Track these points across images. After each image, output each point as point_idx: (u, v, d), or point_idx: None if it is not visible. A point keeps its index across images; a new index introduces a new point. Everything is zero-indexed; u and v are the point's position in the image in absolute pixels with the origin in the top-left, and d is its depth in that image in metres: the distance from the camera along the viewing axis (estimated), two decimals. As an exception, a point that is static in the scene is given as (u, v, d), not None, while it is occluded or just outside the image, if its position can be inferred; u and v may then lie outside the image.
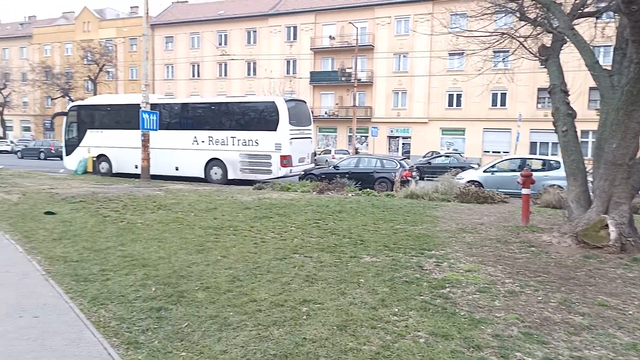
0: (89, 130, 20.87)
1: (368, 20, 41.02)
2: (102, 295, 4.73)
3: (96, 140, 20.61)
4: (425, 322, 4.12)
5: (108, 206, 10.27)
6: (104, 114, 21.25)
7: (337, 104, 42.76)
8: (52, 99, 54.89)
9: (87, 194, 12.21)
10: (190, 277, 5.37)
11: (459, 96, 37.87)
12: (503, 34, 9.53)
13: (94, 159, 20.50)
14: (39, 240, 7.03)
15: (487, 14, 9.65)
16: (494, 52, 11.60)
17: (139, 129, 17.78)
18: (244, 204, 10.88)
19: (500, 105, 36.50)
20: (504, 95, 36.11)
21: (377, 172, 16.92)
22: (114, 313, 4.29)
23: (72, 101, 44.07)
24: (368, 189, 14.66)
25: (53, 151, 36.02)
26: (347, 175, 16.39)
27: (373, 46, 40.51)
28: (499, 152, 35.25)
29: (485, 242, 7.36)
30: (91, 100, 23.32)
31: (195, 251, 6.53)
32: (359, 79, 37.82)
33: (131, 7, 57.02)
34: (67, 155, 21.76)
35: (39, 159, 36.55)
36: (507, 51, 10.70)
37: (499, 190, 13.75)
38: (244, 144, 17.93)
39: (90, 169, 20.32)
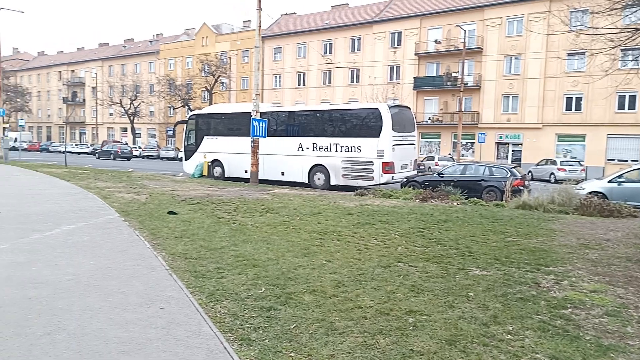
0: (205, 137, 22.54)
1: (477, 22, 39.39)
2: (218, 292, 5.05)
3: (211, 147, 22.19)
4: (544, 344, 3.82)
5: (222, 208, 10.99)
6: (218, 122, 22.83)
7: (441, 109, 41.58)
8: (173, 109, 60.28)
9: (203, 196, 13.17)
10: (297, 279, 5.53)
11: (578, 99, 34.73)
12: (637, 29, 8.57)
13: (209, 163, 22.09)
14: (163, 237, 7.72)
15: (616, 8, 8.74)
16: (622, 50, 10.49)
17: (249, 136, 18.83)
18: (347, 210, 10.99)
19: (629, 109, 32.81)
20: (633, 97, 32.43)
21: (485, 181, 16.10)
22: (228, 309, 4.56)
23: (191, 110, 48.02)
24: (475, 198, 14.01)
25: (120, 153, 44.23)
26: (452, 183, 15.82)
27: (481, 49, 38.78)
28: (625, 161, 31.71)
29: (613, 260, 6.64)
30: (207, 109, 25.17)
31: (302, 254, 6.72)
32: (466, 83, 36.41)
33: (244, 22, 60.72)
34: (186, 160, 23.69)
35: (111, 159, 42.97)
36: (641, 48, 9.60)
37: (627, 202, 12.36)
38: (347, 150, 18.13)
39: (205, 173, 21.93)
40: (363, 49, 46.27)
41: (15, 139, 55.99)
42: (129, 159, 43.47)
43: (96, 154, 47.49)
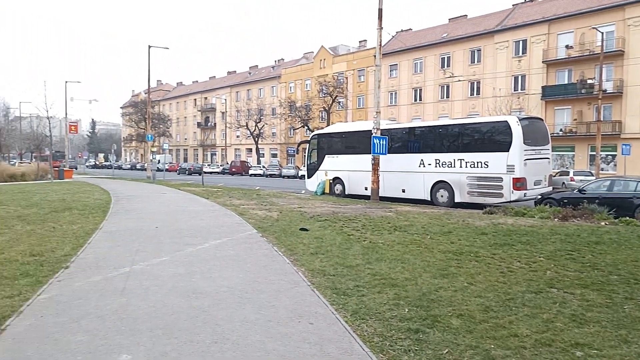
0: (326, 156, 23.22)
1: (616, 22, 35.66)
2: (361, 310, 5.08)
3: (332, 165, 22.78)
4: None
5: (349, 225, 11.15)
6: (338, 140, 23.38)
7: (575, 119, 38.10)
8: (293, 129, 63.20)
9: (329, 213, 13.50)
10: (440, 301, 5.36)
11: None
12: None
13: (330, 181, 22.66)
14: (299, 253, 8.02)
15: None
16: None
17: (369, 153, 18.98)
18: (479, 229, 10.46)
19: None
20: None
21: (638, 198, 14.27)
22: (374, 329, 4.55)
23: (311, 130, 49.87)
24: (627, 218, 12.46)
25: (192, 170, 58.33)
26: (596, 201, 14.27)
27: (623, 51, 34.95)
28: None
29: None
30: (328, 129, 25.95)
31: (440, 275, 6.52)
32: (604, 90, 32.93)
33: (360, 41, 61.93)
34: (308, 178, 24.59)
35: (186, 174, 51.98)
36: None
37: None
38: (472, 166, 17.38)
39: (327, 191, 22.52)
40: (483, 60, 44.41)
41: (159, 160, 62.85)
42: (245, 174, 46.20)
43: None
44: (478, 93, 44.85)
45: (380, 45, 19.29)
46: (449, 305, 5.20)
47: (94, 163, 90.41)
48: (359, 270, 6.83)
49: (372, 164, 18.83)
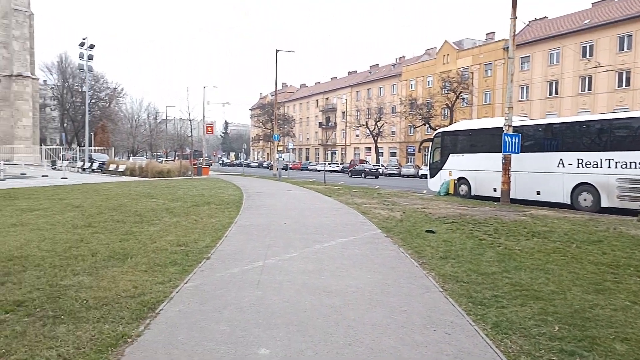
0: (451, 155, 22.25)
1: None
2: (503, 323, 4.66)
3: (457, 164, 21.75)
4: None
5: (480, 229, 10.48)
6: (464, 138, 22.25)
7: None
8: (414, 127, 61.90)
9: (456, 215, 12.86)
10: (597, 320, 4.71)
11: None
12: None
13: (455, 181, 21.67)
14: (427, 257, 7.70)
15: None
16: None
17: (498, 152, 17.74)
18: (637, 239, 9.12)
19: None
20: None
21: None
22: (520, 346, 4.13)
23: (432, 129, 48.41)
24: None
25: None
26: None
27: None
28: None
29: None
30: (453, 127, 24.85)
31: (593, 290, 5.76)
32: None
33: (487, 34, 58.55)
34: (431, 177, 23.81)
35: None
36: None
37: None
38: (624, 166, 15.30)
39: (451, 191, 21.58)
40: (635, 47, 39.11)
41: (284, 159, 66.12)
42: (376, 177, 46.33)
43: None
44: (628, 84, 39.66)
45: (514, 35, 17.90)
46: (609, 327, 4.54)
47: (226, 161, 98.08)
48: (495, 278, 6.33)
49: (503, 164, 17.57)
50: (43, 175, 29.50)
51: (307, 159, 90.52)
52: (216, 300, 5.29)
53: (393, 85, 69.66)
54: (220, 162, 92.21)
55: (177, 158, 70.44)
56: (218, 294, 5.49)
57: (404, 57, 75.56)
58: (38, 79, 51.98)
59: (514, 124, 18.29)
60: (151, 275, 6.28)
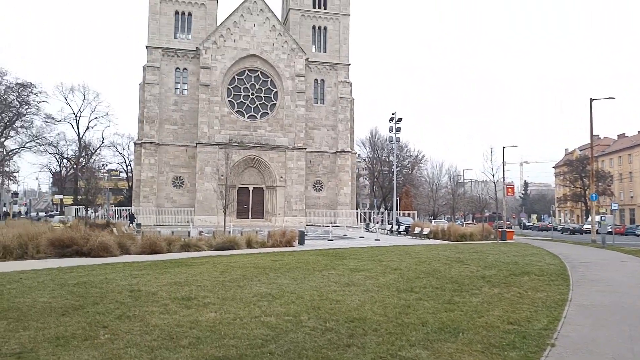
0: None
1: None
2: None
3: None
4: None
5: None
6: None
7: None
8: None
9: None
10: None
11: None
12: None
13: None
14: None
15: None
16: None
17: None
18: None
19: None
20: None
21: None
22: None
23: None
24: None
25: None
26: None
27: None
28: None
29: None
30: None
31: None
32: None
33: None
34: None
35: None
36: None
37: None
38: None
39: None
40: None
41: (605, 221, 56.53)
42: None
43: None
44: None
45: None
46: None
47: (527, 224, 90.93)
48: None
49: None
50: (360, 237, 33.16)
51: (633, 221, 74.96)
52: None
53: None
54: (522, 224, 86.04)
55: (474, 221, 69.12)
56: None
57: None
58: (355, 153, 60.48)
59: None
60: (490, 358, 5.58)
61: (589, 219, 41.56)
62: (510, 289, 10.63)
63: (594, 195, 35.35)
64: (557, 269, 14.69)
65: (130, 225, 34.99)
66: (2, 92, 43.68)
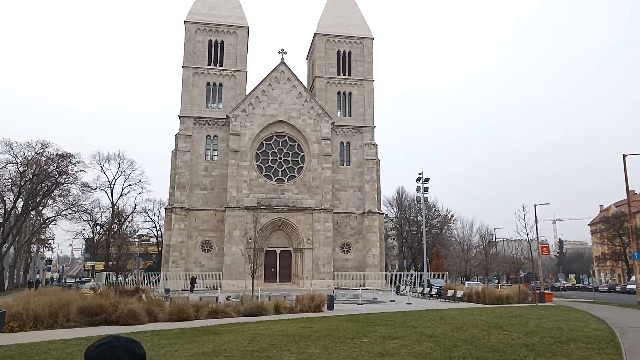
0: None
1: None
2: None
3: None
4: None
5: None
6: None
7: None
8: None
9: None
10: None
11: None
12: None
13: None
14: None
15: None
16: None
17: None
18: None
19: None
20: None
21: None
22: None
23: None
24: None
25: None
26: None
27: None
28: None
29: None
30: None
31: None
32: None
33: None
34: None
35: None
36: None
37: None
38: None
39: None
40: None
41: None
42: None
43: None
44: None
45: None
46: None
47: (565, 284, 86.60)
48: None
49: None
50: (391, 300, 32.06)
51: (681, 281, 70.56)
52: None
53: None
54: (559, 285, 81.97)
55: (509, 282, 66.30)
56: None
57: None
58: (383, 213, 59.99)
59: None
60: None
61: (632, 278, 39.39)
62: (557, 359, 9.93)
63: (635, 253, 33.67)
64: (606, 335, 13.73)
65: (192, 291, 35.05)
66: (43, 163, 45.83)
